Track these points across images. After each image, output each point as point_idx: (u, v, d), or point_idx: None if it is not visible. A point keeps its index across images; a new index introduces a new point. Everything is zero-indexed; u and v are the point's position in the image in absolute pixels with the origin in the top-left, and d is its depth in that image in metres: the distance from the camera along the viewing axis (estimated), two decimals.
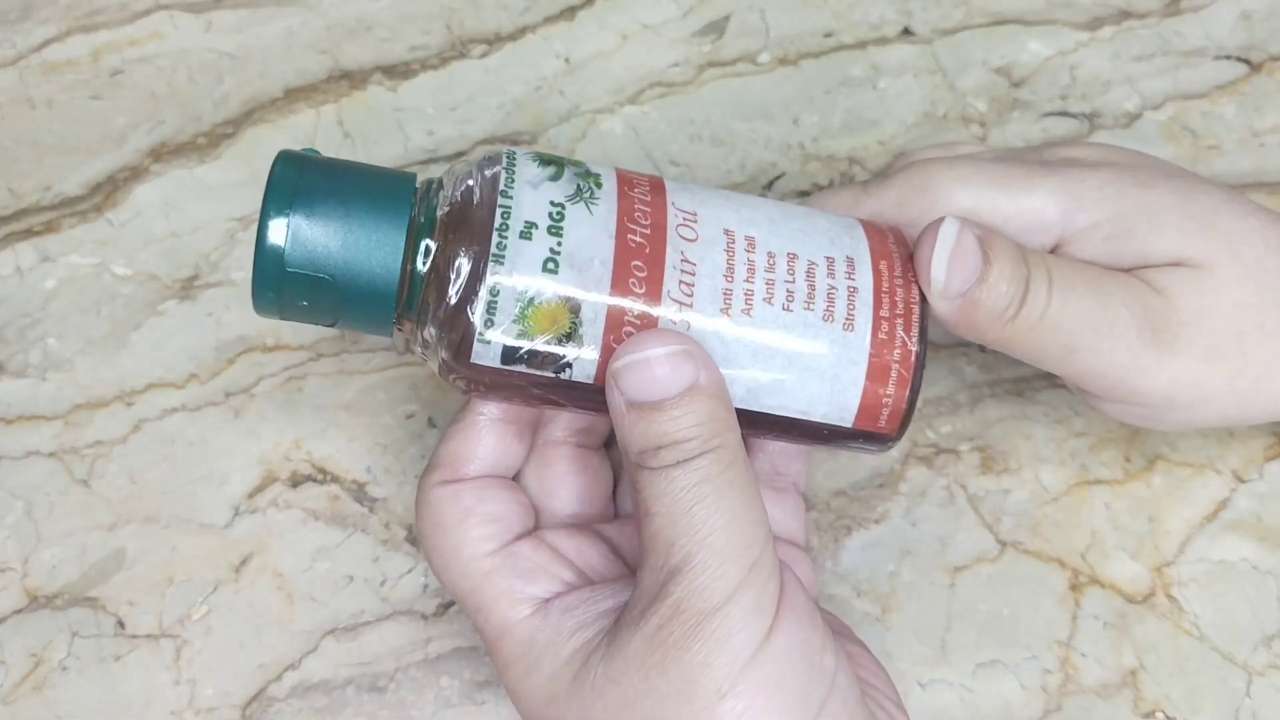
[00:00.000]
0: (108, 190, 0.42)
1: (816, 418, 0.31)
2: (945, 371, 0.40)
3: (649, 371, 0.28)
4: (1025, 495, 0.39)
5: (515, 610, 0.31)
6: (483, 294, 0.28)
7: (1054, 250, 0.33)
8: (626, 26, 0.44)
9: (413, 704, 0.37)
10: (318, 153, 0.31)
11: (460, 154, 0.43)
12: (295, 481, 0.39)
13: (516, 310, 0.29)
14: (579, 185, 0.30)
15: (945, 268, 0.30)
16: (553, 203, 0.29)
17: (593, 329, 0.29)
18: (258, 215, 0.28)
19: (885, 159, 0.43)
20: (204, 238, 0.41)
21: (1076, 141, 0.38)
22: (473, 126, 0.43)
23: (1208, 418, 0.34)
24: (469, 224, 0.29)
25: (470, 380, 0.30)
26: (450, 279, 0.29)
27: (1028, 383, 0.40)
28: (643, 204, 0.30)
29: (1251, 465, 0.39)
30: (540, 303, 0.29)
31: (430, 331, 0.30)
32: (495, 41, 0.44)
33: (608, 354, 0.29)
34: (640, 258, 0.29)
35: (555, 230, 0.29)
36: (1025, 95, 0.43)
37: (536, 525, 0.34)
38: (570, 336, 0.29)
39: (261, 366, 0.40)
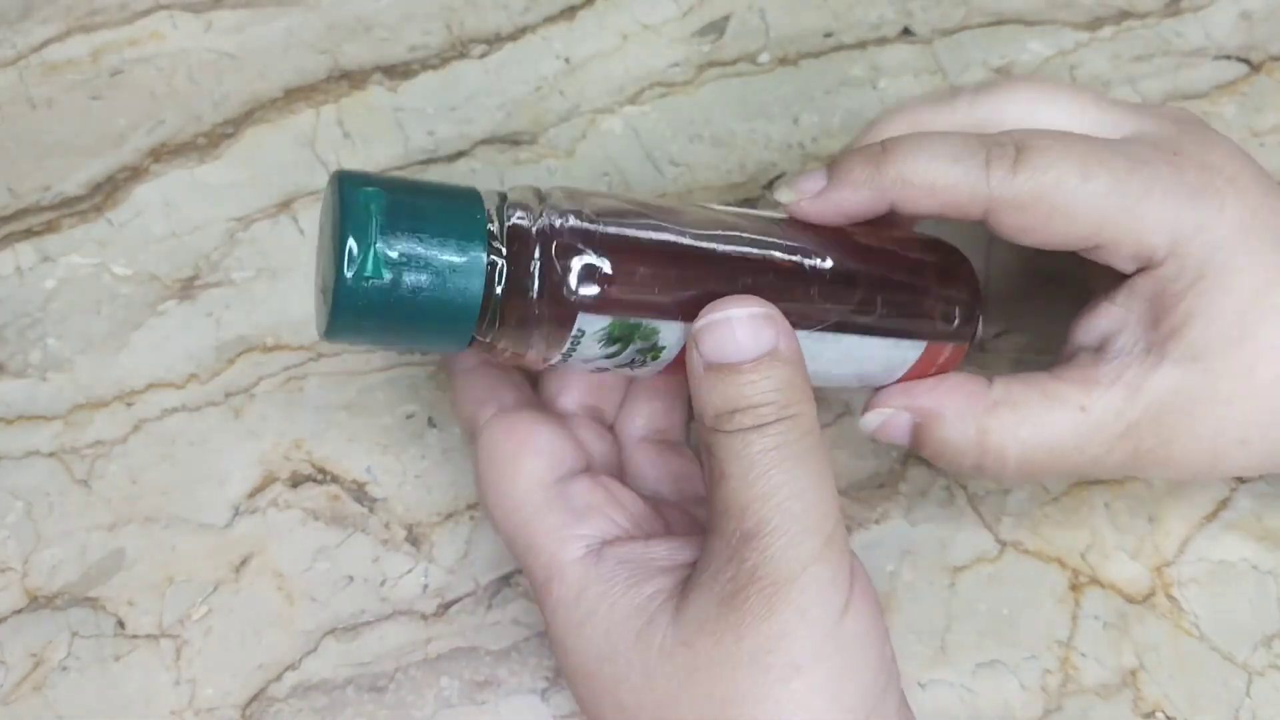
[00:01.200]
0: (108, 190, 0.42)
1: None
2: None
3: (729, 333, 0.28)
4: (1025, 495, 0.39)
5: (566, 550, 0.30)
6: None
7: (1135, 272, 0.32)
8: (626, 26, 0.44)
9: (413, 704, 0.37)
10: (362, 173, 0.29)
11: (460, 154, 0.42)
12: (295, 481, 0.39)
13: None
14: (634, 359, 0.30)
15: (870, 432, 0.34)
16: (602, 358, 0.30)
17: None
18: (321, 244, 0.28)
19: None
20: (204, 238, 0.41)
21: (1211, 134, 0.33)
22: (473, 126, 0.43)
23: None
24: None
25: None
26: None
27: None
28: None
29: None
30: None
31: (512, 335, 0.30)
32: (495, 41, 0.44)
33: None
34: None
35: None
36: None
37: (589, 468, 0.33)
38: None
39: (261, 366, 0.40)
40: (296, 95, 0.43)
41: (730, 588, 0.28)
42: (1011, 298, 0.41)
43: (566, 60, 0.44)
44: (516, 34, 0.44)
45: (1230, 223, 0.31)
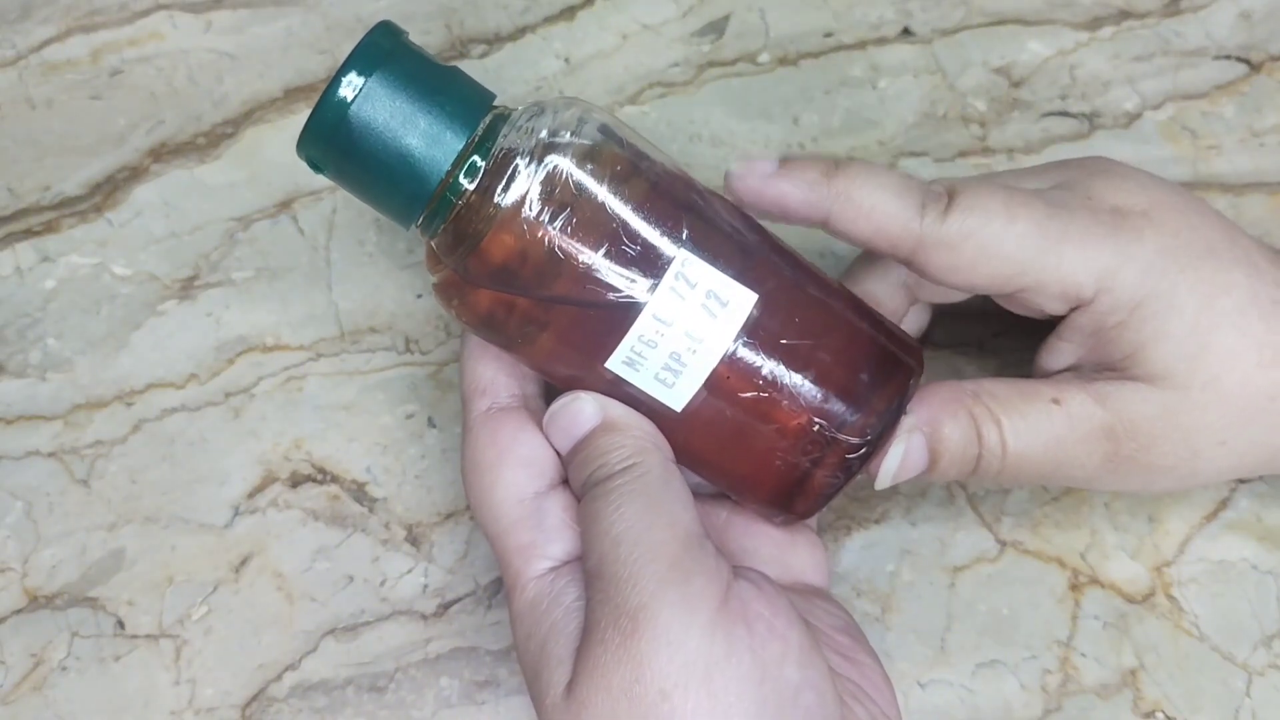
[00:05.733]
0: (108, 190, 0.42)
1: None
2: (945, 371, 0.40)
3: (558, 424, 0.32)
4: (1025, 495, 0.39)
5: (531, 566, 0.31)
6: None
7: (1070, 311, 0.33)
8: (626, 26, 0.44)
9: (412, 704, 0.37)
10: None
11: None
12: (295, 481, 0.39)
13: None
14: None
15: (892, 477, 0.33)
16: None
17: None
18: (331, 78, 0.29)
19: (885, 159, 0.43)
20: (204, 238, 0.41)
21: (1123, 171, 0.34)
22: None
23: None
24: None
25: (468, 274, 0.30)
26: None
27: None
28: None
29: None
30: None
31: (448, 234, 0.30)
32: (495, 41, 0.44)
33: None
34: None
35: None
36: (1025, 95, 0.43)
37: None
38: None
39: (261, 366, 0.40)
40: (296, 95, 0.43)
41: (593, 627, 0.29)
42: None
43: (566, 60, 0.44)
44: (516, 34, 0.44)
45: (1152, 249, 0.32)
